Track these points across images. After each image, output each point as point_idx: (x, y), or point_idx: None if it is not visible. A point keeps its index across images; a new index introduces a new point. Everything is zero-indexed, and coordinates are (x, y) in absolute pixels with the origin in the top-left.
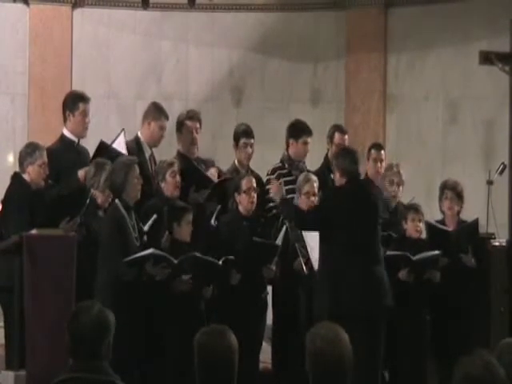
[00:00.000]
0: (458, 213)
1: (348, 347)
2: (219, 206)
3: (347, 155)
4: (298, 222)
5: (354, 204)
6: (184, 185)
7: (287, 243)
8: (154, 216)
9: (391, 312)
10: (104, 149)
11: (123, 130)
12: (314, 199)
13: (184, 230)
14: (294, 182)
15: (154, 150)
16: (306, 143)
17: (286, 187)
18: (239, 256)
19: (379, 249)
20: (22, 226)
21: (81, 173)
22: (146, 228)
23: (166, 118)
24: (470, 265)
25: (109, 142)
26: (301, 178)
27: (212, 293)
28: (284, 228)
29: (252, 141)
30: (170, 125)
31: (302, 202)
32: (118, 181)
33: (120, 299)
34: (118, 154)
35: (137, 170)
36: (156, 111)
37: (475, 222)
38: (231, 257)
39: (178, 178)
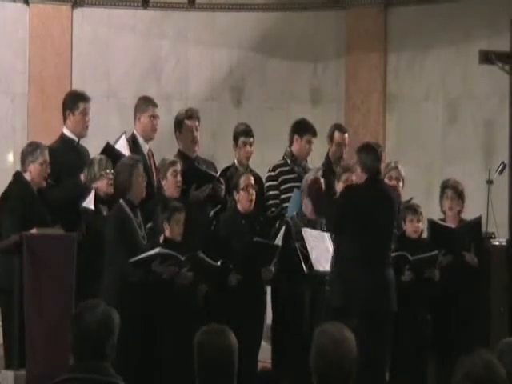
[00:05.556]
0: (459, 212)
1: (353, 348)
2: (219, 206)
3: (370, 152)
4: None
5: (372, 204)
6: (185, 186)
7: (289, 241)
8: (149, 224)
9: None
10: (109, 151)
11: (125, 132)
12: None
13: (173, 230)
14: (295, 179)
15: (155, 149)
16: (309, 142)
17: (286, 185)
18: (238, 256)
19: (390, 251)
20: (15, 226)
21: (82, 178)
22: None
23: (154, 105)
24: (473, 264)
25: (112, 144)
26: (309, 180)
27: (206, 292)
28: (284, 227)
29: (251, 140)
30: (170, 124)
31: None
32: (122, 181)
33: (125, 300)
34: (122, 155)
35: (141, 168)
36: (142, 103)
37: (478, 220)
38: (231, 264)
39: (179, 177)
